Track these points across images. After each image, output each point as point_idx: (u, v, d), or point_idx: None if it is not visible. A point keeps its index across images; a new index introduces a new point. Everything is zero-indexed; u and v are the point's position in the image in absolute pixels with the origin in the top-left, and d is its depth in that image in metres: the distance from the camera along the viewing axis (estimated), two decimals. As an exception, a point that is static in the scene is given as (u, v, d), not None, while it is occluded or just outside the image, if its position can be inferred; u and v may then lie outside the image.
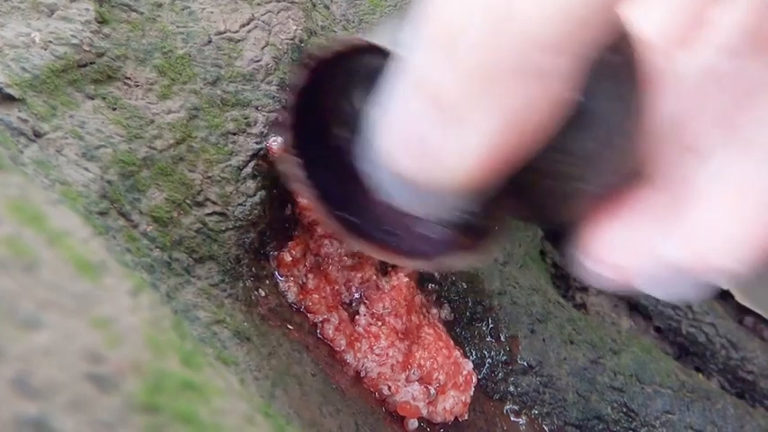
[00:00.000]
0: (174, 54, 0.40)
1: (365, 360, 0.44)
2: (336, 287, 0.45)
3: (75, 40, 0.35)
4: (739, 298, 0.74)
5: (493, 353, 0.55)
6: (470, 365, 0.50)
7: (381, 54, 0.28)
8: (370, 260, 0.48)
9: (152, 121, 0.37)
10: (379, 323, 0.46)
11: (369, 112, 0.24)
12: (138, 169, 0.36)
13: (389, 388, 0.44)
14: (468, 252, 0.35)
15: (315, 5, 0.51)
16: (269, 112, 0.43)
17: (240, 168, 0.41)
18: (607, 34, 0.22)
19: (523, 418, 0.55)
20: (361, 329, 0.45)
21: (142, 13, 0.40)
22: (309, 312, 0.43)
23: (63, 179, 0.31)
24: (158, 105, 0.38)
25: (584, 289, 0.83)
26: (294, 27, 0.47)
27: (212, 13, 0.43)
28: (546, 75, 0.20)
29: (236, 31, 0.44)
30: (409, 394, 0.45)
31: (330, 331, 0.43)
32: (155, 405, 0.16)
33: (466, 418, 0.48)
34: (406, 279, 0.48)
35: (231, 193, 0.40)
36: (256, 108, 0.42)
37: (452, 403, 0.47)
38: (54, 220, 0.18)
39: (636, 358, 0.61)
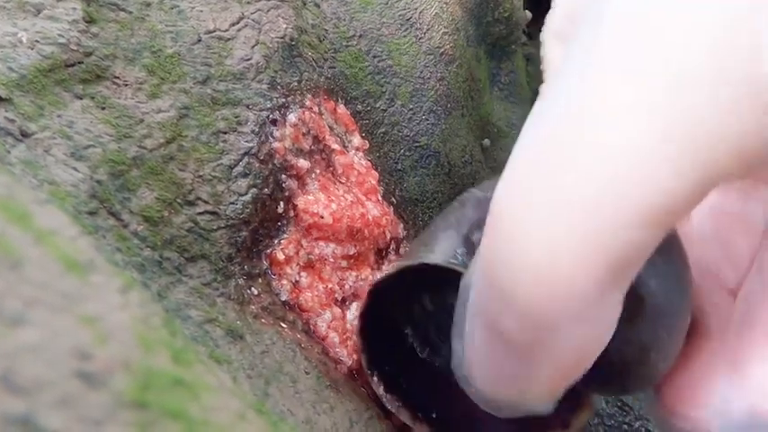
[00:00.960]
0: (164, 53, 0.40)
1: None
2: (330, 285, 0.45)
3: (62, 40, 0.35)
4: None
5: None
6: None
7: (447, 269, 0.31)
8: (367, 260, 0.48)
9: (142, 121, 0.37)
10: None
11: (447, 335, 0.27)
12: (127, 169, 0.36)
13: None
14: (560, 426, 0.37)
15: (305, 4, 0.51)
16: (260, 110, 0.43)
17: (231, 167, 0.40)
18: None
19: (518, 413, 0.55)
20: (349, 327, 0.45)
21: (131, 13, 0.39)
22: (303, 310, 0.43)
23: (51, 179, 0.31)
24: (148, 104, 0.38)
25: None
26: (284, 25, 0.47)
27: (202, 11, 0.43)
28: (600, 318, 0.21)
29: (226, 30, 0.44)
30: None
31: (323, 329, 0.43)
32: (144, 402, 0.16)
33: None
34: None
35: (223, 191, 0.39)
36: (247, 107, 0.42)
37: None
38: (41, 218, 0.18)
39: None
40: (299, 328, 0.42)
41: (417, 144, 0.54)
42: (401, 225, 0.51)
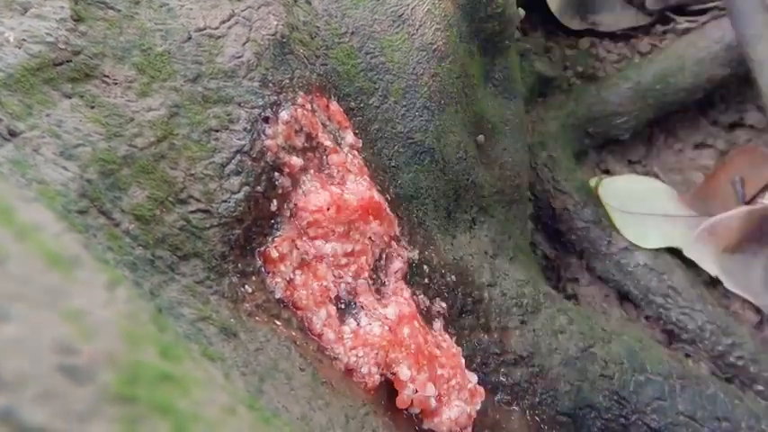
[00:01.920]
0: (153, 51, 0.40)
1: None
2: (324, 283, 0.45)
3: (50, 39, 0.35)
4: (727, 284, 0.74)
5: (484, 344, 0.55)
6: (476, 378, 0.50)
7: None
8: (364, 256, 0.48)
9: (132, 119, 0.37)
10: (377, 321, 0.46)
11: None
12: (118, 167, 0.35)
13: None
14: None
15: (296, 1, 0.50)
16: (252, 108, 0.42)
17: (224, 165, 0.40)
18: None
19: (515, 408, 0.55)
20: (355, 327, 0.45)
21: (119, 11, 0.39)
22: (297, 308, 0.43)
23: (40, 178, 0.30)
24: (138, 103, 0.38)
25: (575, 279, 0.83)
26: (275, 22, 0.46)
27: (191, 9, 0.43)
28: None
29: (217, 28, 0.44)
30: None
31: (318, 326, 0.43)
32: (130, 396, 0.16)
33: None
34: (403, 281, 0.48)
35: (215, 189, 0.39)
36: (239, 104, 0.42)
37: (458, 413, 0.47)
38: (24, 214, 0.18)
39: (627, 347, 0.61)
40: (294, 326, 0.42)
41: (411, 140, 0.54)
42: (396, 221, 0.51)
